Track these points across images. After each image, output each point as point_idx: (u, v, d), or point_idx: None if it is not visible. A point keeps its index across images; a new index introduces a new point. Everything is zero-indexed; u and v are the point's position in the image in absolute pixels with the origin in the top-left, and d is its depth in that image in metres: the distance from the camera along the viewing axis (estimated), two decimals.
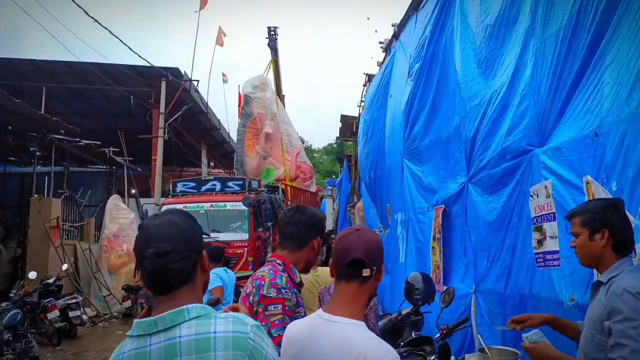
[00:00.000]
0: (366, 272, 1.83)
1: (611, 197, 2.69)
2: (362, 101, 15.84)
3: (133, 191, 18.16)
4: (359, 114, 14.95)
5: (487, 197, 4.44)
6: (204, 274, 1.63)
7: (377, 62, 12.28)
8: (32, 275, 10.40)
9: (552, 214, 3.42)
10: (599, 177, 2.85)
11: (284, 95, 23.03)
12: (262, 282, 2.31)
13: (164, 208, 11.72)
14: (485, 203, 4.50)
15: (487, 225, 4.42)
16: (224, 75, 23.42)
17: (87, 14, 12.12)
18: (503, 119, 4.22)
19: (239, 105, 18.77)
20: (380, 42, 10.72)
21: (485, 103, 4.54)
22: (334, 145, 65.43)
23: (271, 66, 20.49)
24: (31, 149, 14.77)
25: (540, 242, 3.57)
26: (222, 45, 21.11)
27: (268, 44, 21.57)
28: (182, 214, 1.64)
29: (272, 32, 21.63)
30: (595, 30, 2.98)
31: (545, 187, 3.47)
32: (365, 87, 15.12)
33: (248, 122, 18.17)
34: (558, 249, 3.33)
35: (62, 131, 14.42)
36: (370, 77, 14.65)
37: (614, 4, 2.84)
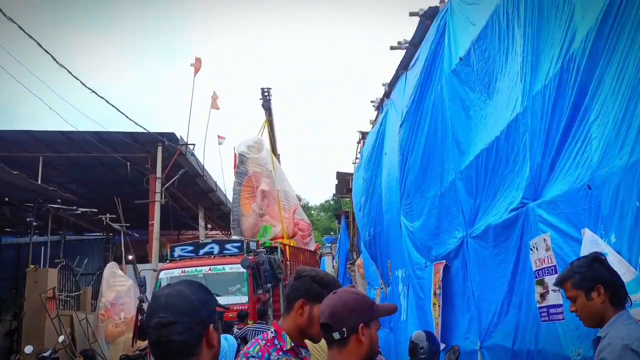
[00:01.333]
0: (336, 335, 1.78)
1: (611, 248, 2.70)
2: (357, 158, 15.98)
3: (130, 257, 17.98)
4: (354, 171, 15.05)
5: (490, 251, 4.41)
6: (210, 349, 1.59)
7: (370, 120, 12.49)
8: (28, 349, 10.15)
9: (553, 267, 3.41)
10: (597, 229, 2.87)
11: (279, 154, 23.23)
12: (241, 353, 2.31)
13: (162, 274, 11.63)
14: (488, 257, 4.47)
15: (492, 279, 4.38)
16: (219, 137, 23.70)
17: (83, 84, 12.42)
18: (499, 172, 4.28)
19: (235, 165, 18.92)
20: (372, 101, 10.92)
21: (480, 158, 4.61)
22: (331, 202, 65.50)
23: (266, 126, 20.82)
24: (28, 219, 14.72)
25: (543, 296, 3.53)
26: (217, 109, 21.49)
27: (262, 105, 21.97)
28: (193, 286, 1.64)
29: (266, 93, 22.07)
30: (579, 87, 3.08)
31: (544, 240, 3.48)
32: (360, 145, 15.29)
33: (244, 181, 18.29)
34: (561, 303, 3.30)
35: (58, 200, 14.44)
36: (364, 135, 14.84)
37: (595, 60, 2.95)
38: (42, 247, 15.39)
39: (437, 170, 5.83)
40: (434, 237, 5.91)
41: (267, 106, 21.77)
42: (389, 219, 8.14)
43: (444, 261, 5.54)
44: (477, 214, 4.77)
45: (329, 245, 38.50)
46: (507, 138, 4.09)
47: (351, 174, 17.83)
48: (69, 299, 14.26)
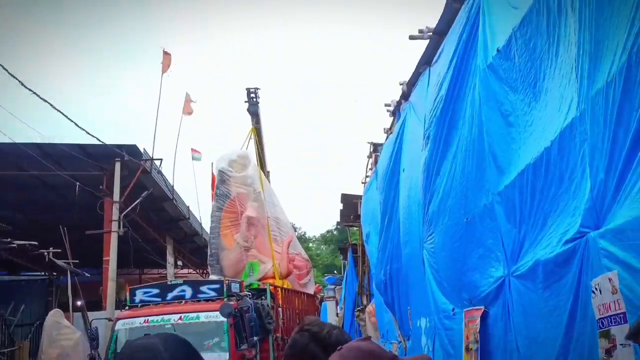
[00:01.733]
0: None
1: None
2: (367, 177, 16.02)
3: (79, 303, 17.86)
4: (364, 193, 15.09)
5: (540, 294, 4.36)
6: None
7: (384, 129, 12.53)
8: None
9: (621, 315, 3.35)
10: None
11: (269, 172, 23.27)
12: None
13: (119, 324, 11.55)
14: (537, 301, 4.42)
15: (542, 331, 4.33)
16: (194, 151, 23.75)
17: (22, 84, 12.48)
18: (550, 194, 4.25)
19: (213, 186, 18.89)
20: (386, 105, 10.97)
21: (525, 175, 4.59)
22: (334, 232, 65.56)
23: (252, 136, 20.80)
24: None
25: (609, 352, 3.46)
26: (190, 114, 21.52)
27: (248, 109, 22.03)
28: (170, 340, 1.63)
29: (252, 95, 22.16)
30: None
31: (610, 279, 3.42)
32: (371, 160, 15.34)
33: (225, 205, 18.20)
34: None
35: None
36: (375, 147, 14.90)
37: None
38: None
39: (467, 191, 5.85)
40: (464, 276, 5.89)
41: (253, 111, 21.83)
42: (409, 253, 8.16)
43: (482, 307, 5.47)
44: (521, 246, 4.73)
45: (332, 287, 38.37)
46: (560, 150, 4.06)
47: (360, 197, 17.85)
48: (0, 357, 14.13)
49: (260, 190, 18.65)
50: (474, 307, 5.66)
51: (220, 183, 18.28)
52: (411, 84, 9.01)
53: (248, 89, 22.16)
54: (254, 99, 22.16)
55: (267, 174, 22.38)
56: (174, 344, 1.63)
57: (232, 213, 18.07)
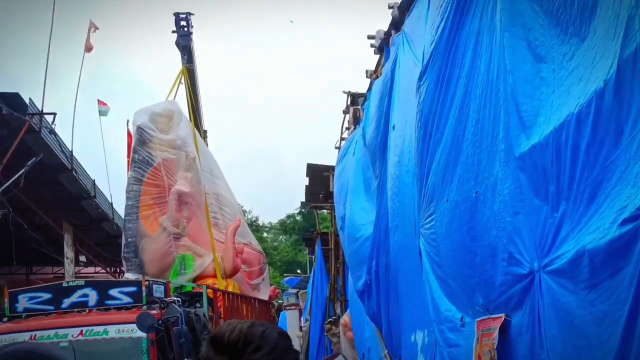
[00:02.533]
0: None
1: None
2: (342, 139, 15.97)
3: None
4: (337, 161, 15.06)
5: (583, 296, 4.33)
6: None
7: (367, 73, 12.48)
8: None
9: None
10: None
11: (206, 131, 23.09)
12: None
13: None
14: (580, 306, 4.40)
15: (587, 346, 4.31)
16: (100, 103, 23.46)
17: None
18: (600, 156, 4.19)
19: (129, 151, 18.64)
20: (370, 37, 10.91)
21: (564, 130, 4.53)
22: (297, 218, 65.69)
23: (182, 79, 20.50)
24: None
25: None
26: (89, 51, 21.22)
27: (176, 42, 21.71)
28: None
29: (183, 22, 21.82)
30: None
31: None
32: (348, 116, 15.30)
33: (145, 175, 18.07)
34: None
35: None
36: (354, 98, 14.85)
37: None
38: None
39: (480, 155, 5.83)
40: (477, 272, 5.89)
41: (184, 44, 21.54)
42: (399, 242, 8.21)
43: (502, 315, 5.44)
44: (557, 230, 4.70)
45: (294, 291, 38.62)
46: (619, 92, 3.97)
47: (332, 168, 17.81)
48: None
49: (196, 155, 18.47)
50: (491, 316, 5.63)
51: (140, 145, 18.04)
52: (405, 9, 8.95)
53: (177, 14, 21.86)
54: (185, 29, 21.86)
55: (203, 135, 22.17)
56: None
57: (156, 187, 17.91)
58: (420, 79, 7.09)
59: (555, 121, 4.67)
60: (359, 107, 13.89)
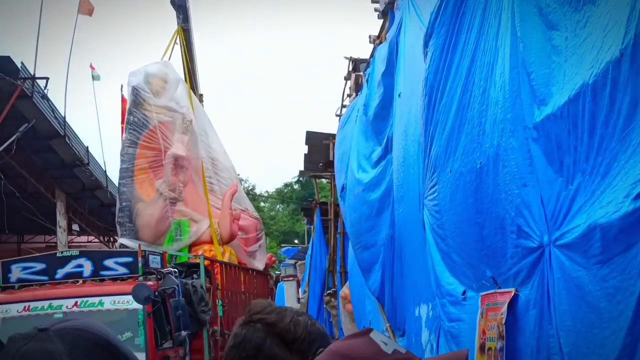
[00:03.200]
0: None
1: None
2: (343, 106, 15.93)
3: None
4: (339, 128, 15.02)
5: (595, 271, 4.32)
6: None
7: (371, 38, 12.41)
8: None
9: None
10: None
11: (202, 95, 22.93)
12: None
13: None
14: (591, 281, 4.38)
15: (598, 323, 4.29)
16: (92, 67, 23.36)
17: None
18: (617, 127, 4.15)
19: (124, 115, 18.50)
20: (374, 1, 10.85)
21: (580, 100, 4.48)
22: (295, 187, 65.73)
23: (178, 40, 20.29)
24: None
25: None
26: (90, 14, 21.03)
27: (172, 1, 21.40)
28: (80, 344, 1.57)
29: None
30: None
31: None
32: (349, 82, 15.25)
33: (140, 138, 17.88)
34: None
35: None
36: (356, 65, 14.80)
37: None
38: None
39: (487, 123, 5.78)
40: (485, 244, 5.87)
41: (180, 3, 21.23)
42: (404, 213, 8.17)
43: (512, 290, 5.44)
44: (570, 203, 4.67)
45: (292, 262, 38.70)
46: (634, 63, 3.91)
47: (333, 135, 17.76)
48: None
49: (192, 118, 18.34)
50: (499, 290, 5.63)
51: (134, 107, 17.82)
52: None
53: None
54: None
55: (200, 97, 22.01)
56: (89, 351, 1.56)
57: (152, 150, 17.74)
58: (425, 45, 7.03)
59: (569, 91, 4.62)
60: (361, 73, 13.82)
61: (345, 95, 15.94)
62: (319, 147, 21.17)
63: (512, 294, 5.47)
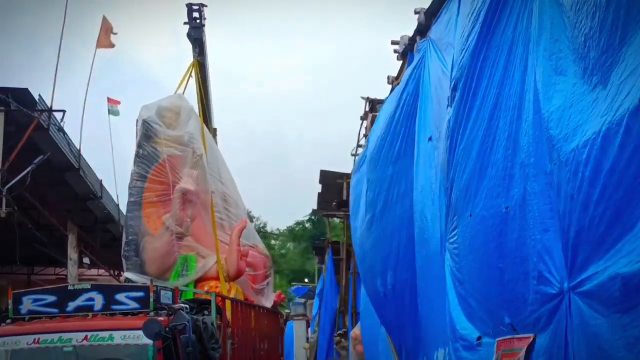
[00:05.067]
0: None
1: None
2: (359, 146, 15.95)
3: None
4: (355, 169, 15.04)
5: (617, 319, 4.30)
6: None
7: (389, 79, 12.43)
8: None
9: None
10: None
11: (216, 129, 22.94)
12: None
13: None
14: (614, 329, 4.36)
15: None
16: (110, 101, 23.40)
17: None
18: (629, 177, 4.15)
19: (137, 145, 18.50)
20: (393, 43, 10.88)
21: (597, 143, 4.46)
22: (306, 226, 65.58)
23: (193, 73, 20.33)
24: None
25: None
26: (110, 47, 21.16)
27: (188, 34, 21.44)
28: None
29: (196, 13, 21.61)
30: None
31: None
32: (366, 122, 15.28)
33: (150, 171, 17.87)
34: None
35: None
36: (373, 105, 14.82)
37: None
38: None
39: (510, 167, 5.80)
40: (506, 289, 5.86)
41: (196, 36, 21.23)
42: (426, 256, 8.18)
43: (530, 335, 5.39)
44: (590, 249, 4.64)
45: (302, 300, 38.55)
46: None
47: (347, 175, 17.77)
48: None
49: (203, 153, 18.33)
50: (516, 335, 5.60)
51: (145, 140, 17.82)
52: (431, 14, 8.92)
53: (189, 5, 21.56)
54: (198, 20, 21.69)
55: (213, 132, 22.01)
56: None
57: (161, 184, 17.72)
58: (450, 89, 7.07)
59: (587, 137, 4.59)
60: (377, 113, 13.88)
61: (362, 135, 15.96)
62: (333, 186, 21.22)
63: (531, 339, 5.45)
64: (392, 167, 9.76)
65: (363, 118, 15.65)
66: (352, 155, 16.59)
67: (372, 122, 14.36)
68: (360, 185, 13.00)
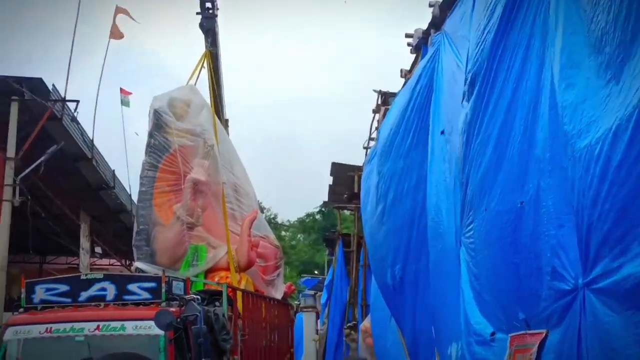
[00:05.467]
0: None
1: None
2: (370, 139, 15.92)
3: None
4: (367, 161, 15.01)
5: (630, 316, 4.29)
6: None
7: (402, 72, 12.41)
8: None
9: None
10: None
11: (227, 120, 22.92)
12: None
13: (9, 333, 11.42)
14: (625, 326, 4.34)
15: None
16: (123, 91, 23.41)
17: None
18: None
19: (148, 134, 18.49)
20: (407, 36, 10.84)
21: (608, 139, 4.43)
22: (317, 217, 65.58)
23: (205, 64, 20.28)
24: None
25: None
26: (119, 38, 21.15)
27: (200, 24, 21.41)
28: None
29: (208, 3, 21.60)
30: None
31: None
32: (378, 115, 15.24)
33: (161, 161, 17.85)
34: None
35: None
36: (386, 98, 14.79)
37: None
38: None
39: (529, 161, 5.77)
40: (519, 285, 5.84)
41: (208, 27, 21.22)
42: (441, 251, 8.15)
43: (543, 331, 5.39)
44: (605, 246, 4.60)
45: (311, 292, 38.54)
46: None
47: (359, 168, 17.74)
48: None
49: (214, 143, 18.29)
50: (529, 331, 5.59)
51: (156, 130, 17.81)
52: (446, 8, 8.89)
53: None
54: (211, 10, 21.66)
55: (225, 123, 21.99)
56: None
57: (172, 174, 17.71)
58: (466, 84, 7.03)
59: (602, 132, 4.55)
60: (390, 107, 13.85)
61: (374, 128, 15.92)
62: (344, 179, 21.19)
63: (543, 335, 5.43)
64: (403, 160, 9.74)
65: (375, 111, 15.63)
66: (364, 148, 16.59)
67: (384, 115, 14.34)
68: (372, 178, 12.98)
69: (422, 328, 8.88)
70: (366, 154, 15.41)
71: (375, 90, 15.47)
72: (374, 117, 15.90)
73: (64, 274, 16.92)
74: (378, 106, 15.37)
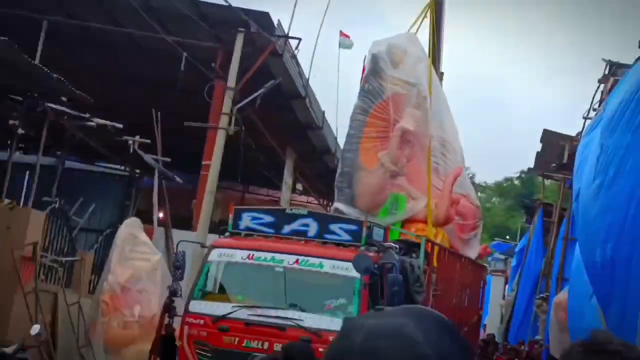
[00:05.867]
0: None
1: None
2: (592, 109, 15.29)
3: (162, 215, 18.47)
4: (581, 134, 14.42)
5: None
6: None
7: None
8: None
9: None
10: None
11: (442, 73, 22.55)
12: None
13: (215, 254, 11.78)
14: None
15: None
16: (342, 35, 23.45)
17: None
18: None
19: (362, 79, 18.45)
20: None
21: None
22: (515, 182, 64.27)
23: (428, 14, 19.96)
24: (10, 122, 15.39)
25: None
26: None
27: None
28: (428, 323, 1.61)
29: None
30: None
31: None
32: (604, 86, 14.59)
33: (372, 107, 17.86)
34: None
35: (63, 98, 14.91)
36: (615, 69, 14.11)
37: None
38: (27, 173, 16.11)
39: None
40: None
41: None
42: None
43: None
44: None
45: (501, 257, 37.93)
46: None
47: (571, 138, 17.11)
48: (56, 265, 14.90)
49: (427, 95, 18.07)
50: None
51: (372, 75, 17.82)
52: None
53: None
54: None
55: (440, 76, 21.65)
56: (435, 329, 1.58)
57: (382, 120, 17.72)
58: None
59: None
60: (619, 78, 13.20)
61: (597, 100, 15.23)
62: (554, 148, 20.51)
63: None
64: (631, 136, 9.23)
65: (601, 81, 14.92)
66: (584, 118, 15.94)
67: (612, 86, 13.68)
68: (590, 148, 12.45)
69: (631, 313, 8.46)
70: (584, 125, 14.79)
71: (604, 60, 14.74)
72: (597, 87, 15.23)
73: (265, 205, 17.40)
74: (605, 76, 14.67)
